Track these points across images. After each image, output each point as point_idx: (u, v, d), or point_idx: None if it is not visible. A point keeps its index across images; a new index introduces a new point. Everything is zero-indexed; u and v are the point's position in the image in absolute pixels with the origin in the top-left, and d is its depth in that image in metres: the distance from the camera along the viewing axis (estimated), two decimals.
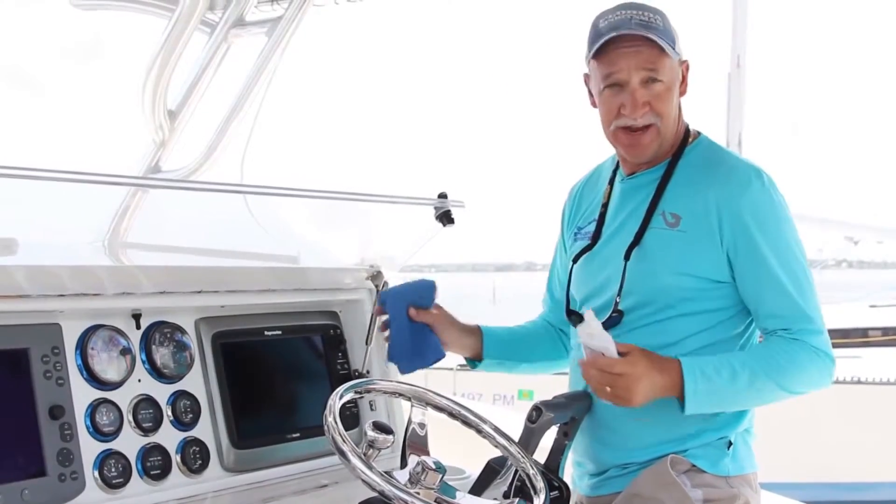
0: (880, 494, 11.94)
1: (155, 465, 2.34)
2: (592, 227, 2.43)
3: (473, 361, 2.57)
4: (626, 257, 2.29)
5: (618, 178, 2.43)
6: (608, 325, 2.27)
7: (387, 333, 2.48)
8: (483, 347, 2.53)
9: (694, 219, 2.25)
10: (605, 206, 2.43)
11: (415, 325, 2.43)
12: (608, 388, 2.14)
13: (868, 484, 12.06)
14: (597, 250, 2.40)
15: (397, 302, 2.44)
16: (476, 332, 2.55)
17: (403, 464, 2.02)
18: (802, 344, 2.20)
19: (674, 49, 2.24)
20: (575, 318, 2.41)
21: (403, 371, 2.46)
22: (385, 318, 2.49)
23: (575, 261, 2.45)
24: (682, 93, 2.33)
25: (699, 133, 2.39)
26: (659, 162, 2.34)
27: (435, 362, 2.44)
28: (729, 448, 2.27)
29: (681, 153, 2.34)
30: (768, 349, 2.22)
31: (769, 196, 2.25)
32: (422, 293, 2.45)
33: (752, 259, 2.22)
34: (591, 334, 2.15)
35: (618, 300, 2.30)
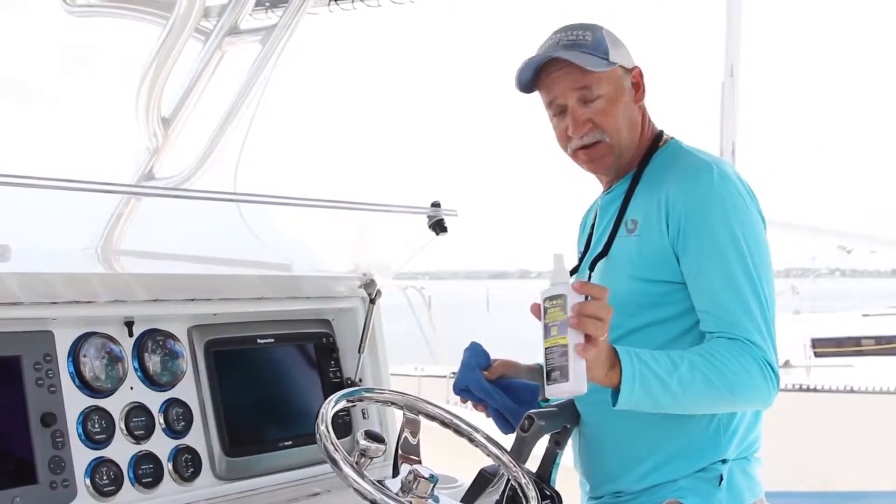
0: None
1: (147, 472, 2.34)
2: (583, 248, 2.42)
3: (542, 401, 2.44)
4: (591, 268, 2.28)
5: (601, 196, 2.41)
6: None
7: (485, 413, 2.40)
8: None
9: (647, 221, 2.19)
10: (594, 225, 2.41)
11: (498, 384, 2.37)
12: (602, 321, 1.91)
13: (861, 493, 12.06)
14: (581, 269, 2.37)
15: (470, 375, 2.36)
16: (538, 369, 2.42)
17: (395, 472, 2.03)
18: (750, 351, 2.04)
19: (607, 60, 2.20)
20: None
21: None
22: (471, 403, 2.40)
23: None
24: (638, 100, 2.28)
25: (671, 139, 2.33)
26: (627, 172, 2.31)
27: (535, 399, 2.36)
28: (720, 483, 2.17)
29: (647, 161, 2.29)
30: (716, 350, 2.05)
31: (716, 189, 2.13)
32: (478, 356, 2.38)
33: (689, 256, 2.12)
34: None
35: None
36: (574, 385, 1.88)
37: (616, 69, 2.22)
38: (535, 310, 1.95)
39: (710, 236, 2.11)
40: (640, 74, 2.28)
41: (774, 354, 2.08)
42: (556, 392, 1.91)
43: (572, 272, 2.41)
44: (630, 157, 2.29)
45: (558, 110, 2.26)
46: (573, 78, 2.20)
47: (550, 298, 1.91)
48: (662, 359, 2.04)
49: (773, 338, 2.10)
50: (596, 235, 2.36)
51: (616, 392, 2.01)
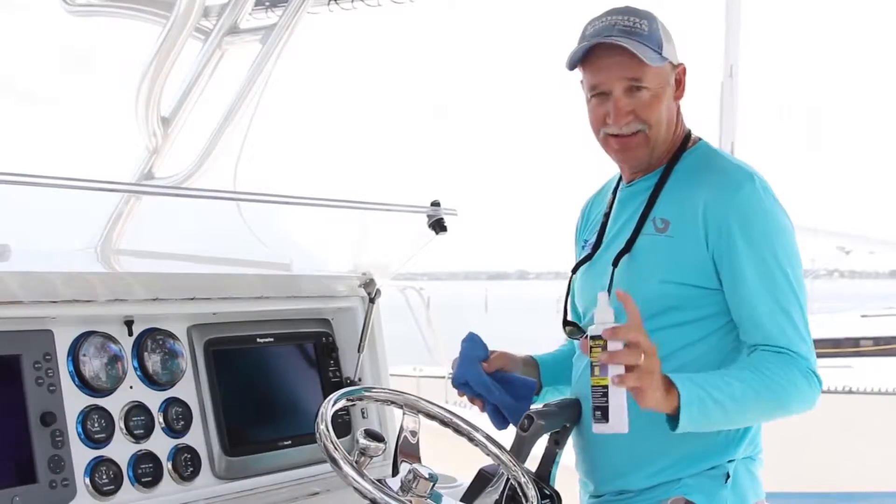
0: None
1: (146, 472, 2.34)
2: (594, 238, 2.39)
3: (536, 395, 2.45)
4: (615, 264, 2.25)
5: (620, 187, 2.39)
6: None
7: (480, 407, 2.38)
8: (541, 376, 2.47)
9: (682, 223, 2.18)
10: (607, 215, 2.38)
11: (495, 377, 2.36)
12: (640, 364, 1.92)
13: (860, 494, 12.07)
14: (595, 259, 2.36)
15: (470, 368, 2.35)
16: (532, 362, 2.48)
17: (395, 471, 2.03)
18: (796, 362, 2.10)
19: (660, 55, 2.18)
20: (570, 329, 2.38)
21: (517, 423, 2.31)
22: (467, 397, 2.39)
23: (574, 271, 2.41)
24: (678, 97, 2.28)
25: (700, 139, 2.33)
26: (655, 168, 2.29)
27: (532, 395, 2.37)
28: (727, 481, 2.18)
29: (677, 159, 2.28)
30: (758, 362, 2.10)
31: (759, 201, 2.15)
32: (476, 348, 2.38)
33: (733, 267, 2.13)
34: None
35: None
36: (614, 425, 1.96)
37: (666, 64, 2.21)
38: (584, 346, 1.99)
39: (756, 251, 2.13)
40: (685, 72, 2.27)
41: (815, 360, 2.13)
42: (601, 430, 1.97)
43: (580, 264, 2.40)
44: (661, 152, 2.28)
45: (600, 94, 2.22)
46: (626, 67, 2.17)
47: (593, 338, 1.96)
48: (715, 380, 2.06)
49: (812, 345, 2.14)
50: (614, 228, 2.34)
51: (672, 416, 2.02)
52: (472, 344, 2.37)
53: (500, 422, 2.36)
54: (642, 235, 2.24)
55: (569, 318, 2.43)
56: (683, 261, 2.17)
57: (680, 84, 2.27)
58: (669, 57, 2.22)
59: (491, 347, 2.43)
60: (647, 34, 2.18)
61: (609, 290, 2.23)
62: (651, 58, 2.16)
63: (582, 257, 2.41)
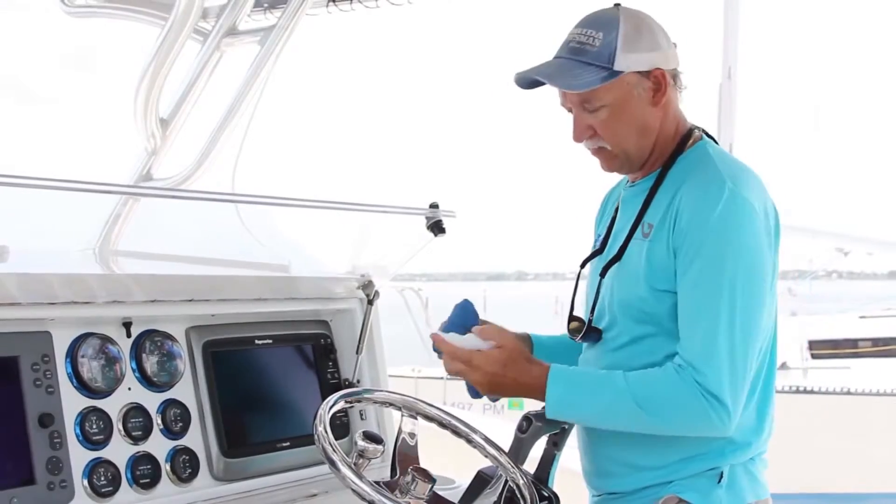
0: None
1: (144, 473, 2.34)
2: (605, 233, 2.35)
3: None
4: (602, 274, 2.24)
5: (625, 186, 2.34)
6: (587, 343, 2.26)
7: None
8: (533, 354, 2.38)
9: (661, 229, 2.13)
10: (617, 210, 2.34)
11: None
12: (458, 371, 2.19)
13: (858, 495, 12.08)
14: (602, 257, 2.32)
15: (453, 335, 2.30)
16: (527, 339, 2.43)
17: (393, 473, 2.03)
18: (685, 376, 2.02)
19: (610, 69, 2.09)
20: (574, 325, 2.36)
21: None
22: None
23: (583, 265, 2.39)
24: (656, 103, 2.16)
25: (701, 138, 2.26)
26: (654, 169, 2.23)
27: None
28: (720, 480, 2.14)
29: (673, 161, 2.21)
30: (648, 375, 2.07)
31: (722, 210, 2.04)
32: (465, 315, 2.34)
33: (680, 274, 2.08)
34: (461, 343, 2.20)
35: (591, 318, 2.25)
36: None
37: (624, 77, 2.11)
38: None
39: (702, 263, 2.05)
40: (663, 76, 2.15)
41: (728, 386, 2.02)
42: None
43: (588, 259, 2.38)
44: (645, 158, 2.22)
45: (568, 110, 2.21)
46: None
47: None
48: (594, 382, 2.13)
49: (736, 370, 2.03)
50: (615, 231, 2.31)
51: None
52: (463, 310, 2.35)
53: (473, 392, 2.32)
54: (633, 240, 2.20)
55: (574, 312, 2.37)
56: (660, 267, 2.12)
57: (658, 89, 2.16)
58: (630, 67, 2.11)
59: None
60: (595, 50, 2.11)
61: (596, 297, 2.26)
62: (584, 82, 2.10)
63: (590, 253, 2.39)
